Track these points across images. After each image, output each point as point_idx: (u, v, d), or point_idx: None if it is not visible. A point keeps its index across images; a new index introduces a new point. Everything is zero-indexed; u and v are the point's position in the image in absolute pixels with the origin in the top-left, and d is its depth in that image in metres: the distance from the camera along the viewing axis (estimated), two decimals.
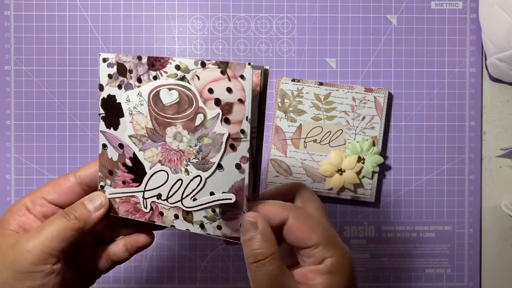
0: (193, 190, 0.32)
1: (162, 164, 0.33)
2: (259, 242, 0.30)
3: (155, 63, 0.32)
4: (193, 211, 0.33)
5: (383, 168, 0.56)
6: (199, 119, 0.31)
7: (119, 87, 0.33)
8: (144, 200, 0.34)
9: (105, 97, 0.34)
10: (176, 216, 0.34)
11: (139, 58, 0.32)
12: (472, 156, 0.56)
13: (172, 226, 0.34)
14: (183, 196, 0.33)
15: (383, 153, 0.56)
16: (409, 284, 0.57)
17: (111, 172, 0.35)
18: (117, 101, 0.33)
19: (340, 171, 0.54)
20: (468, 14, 0.56)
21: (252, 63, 0.30)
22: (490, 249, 0.57)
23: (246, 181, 0.31)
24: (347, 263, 0.31)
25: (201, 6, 0.56)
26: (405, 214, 0.57)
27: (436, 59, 0.56)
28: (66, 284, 0.33)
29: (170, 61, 0.31)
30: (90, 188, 0.35)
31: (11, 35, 0.56)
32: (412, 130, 0.56)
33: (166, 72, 0.32)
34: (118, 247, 0.37)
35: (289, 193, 0.35)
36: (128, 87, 0.33)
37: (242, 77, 0.30)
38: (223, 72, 0.30)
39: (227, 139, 0.31)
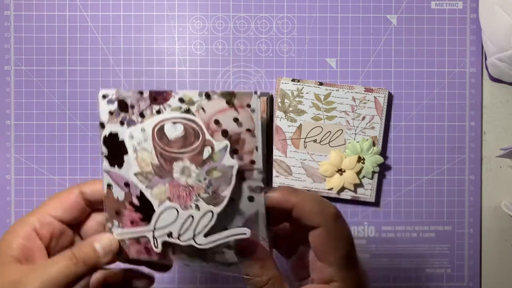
0: (205, 226, 0.31)
1: (171, 201, 0.32)
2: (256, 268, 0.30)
3: (157, 97, 0.31)
4: (207, 248, 0.31)
5: (383, 168, 0.56)
6: (206, 152, 0.30)
7: (121, 123, 0.32)
8: (155, 239, 0.32)
9: (107, 135, 0.32)
10: (190, 254, 0.32)
11: (141, 93, 0.31)
12: (472, 156, 0.56)
13: (186, 264, 0.33)
14: (195, 233, 0.31)
15: (383, 153, 0.56)
16: (409, 284, 0.57)
17: (118, 212, 0.33)
18: (120, 139, 0.32)
19: (340, 171, 0.54)
20: (468, 14, 0.56)
21: (259, 91, 0.29)
22: (490, 249, 0.57)
23: (263, 213, 0.30)
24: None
25: (201, 6, 0.56)
26: (405, 214, 0.57)
27: (436, 59, 0.56)
28: None
29: (173, 94, 0.31)
30: (93, 204, 0.35)
31: (11, 35, 0.56)
32: (412, 130, 0.56)
33: (169, 106, 0.31)
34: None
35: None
36: (131, 123, 0.32)
37: (249, 106, 0.29)
38: (229, 103, 0.30)
39: (238, 171, 0.30)
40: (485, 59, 0.56)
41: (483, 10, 0.53)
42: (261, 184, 0.30)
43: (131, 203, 0.33)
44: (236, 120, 0.30)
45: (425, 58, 0.56)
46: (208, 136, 0.30)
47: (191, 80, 0.56)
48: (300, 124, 0.55)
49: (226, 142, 0.30)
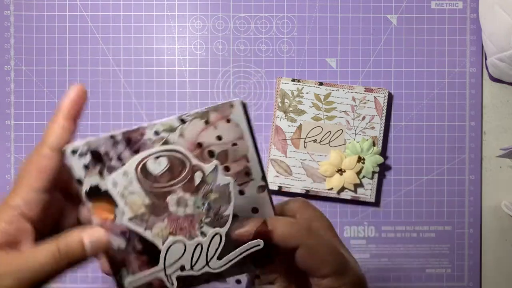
0: (216, 250, 0.30)
1: (174, 235, 0.30)
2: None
3: (131, 137, 0.29)
4: (223, 270, 0.31)
5: (383, 168, 0.56)
6: (198, 177, 0.30)
7: (100, 174, 0.30)
8: (168, 277, 0.31)
9: (88, 190, 0.30)
10: (207, 280, 0.31)
11: (112, 137, 0.29)
12: (472, 156, 0.56)
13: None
14: (208, 260, 0.30)
15: (383, 153, 0.56)
16: (409, 284, 0.57)
17: (123, 261, 0.31)
18: (103, 189, 0.30)
19: (340, 171, 0.54)
20: (468, 14, 0.56)
21: (236, 99, 0.29)
22: (490, 249, 0.57)
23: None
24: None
25: (201, 6, 0.56)
26: (405, 214, 0.57)
27: (436, 59, 0.56)
28: None
29: (146, 130, 0.29)
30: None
31: (11, 35, 0.56)
32: (412, 130, 0.56)
33: (146, 142, 0.29)
34: None
35: (291, 214, 0.33)
36: (111, 170, 0.30)
37: (228, 121, 0.29)
38: (207, 122, 0.29)
39: (234, 186, 0.30)
40: (485, 59, 0.56)
41: (483, 10, 0.53)
42: (263, 184, 0.30)
43: (134, 249, 0.31)
44: (219, 137, 0.29)
45: (425, 58, 0.56)
46: (195, 161, 0.29)
47: (191, 80, 0.56)
48: (300, 124, 0.55)
49: (215, 162, 0.29)
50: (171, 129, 0.29)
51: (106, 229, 0.31)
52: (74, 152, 0.30)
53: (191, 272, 0.31)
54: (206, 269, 0.31)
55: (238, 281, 0.34)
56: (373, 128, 0.54)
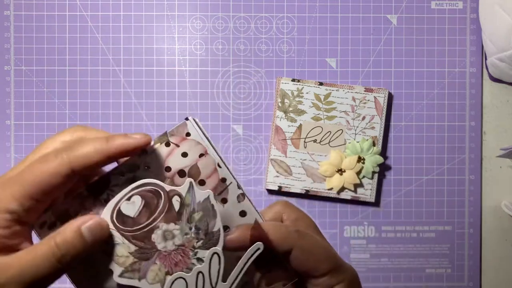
0: (218, 271, 0.29)
1: (171, 274, 0.28)
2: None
3: (94, 188, 0.28)
4: (234, 287, 0.29)
5: (383, 168, 0.56)
6: (176, 203, 0.28)
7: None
8: None
9: None
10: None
11: (78, 195, 0.28)
12: (472, 156, 0.56)
13: None
14: (214, 285, 0.29)
15: (383, 153, 0.56)
16: (409, 284, 0.56)
17: None
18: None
19: (340, 171, 0.54)
20: (468, 14, 0.56)
21: (190, 117, 0.28)
22: (490, 249, 0.57)
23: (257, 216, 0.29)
24: (355, 285, 0.30)
25: (201, 6, 0.56)
26: (405, 214, 0.57)
27: (436, 59, 0.56)
28: None
29: (111, 176, 0.28)
30: (80, 173, 0.28)
31: (11, 35, 0.56)
32: (412, 130, 0.56)
33: (114, 187, 0.28)
34: None
35: (276, 217, 0.32)
36: None
37: (188, 134, 0.29)
38: (168, 144, 0.28)
39: (215, 197, 0.29)
40: (485, 59, 0.56)
41: (483, 10, 0.53)
42: (242, 191, 0.29)
43: None
44: (184, 154, 0.29)
45: (425, 58, 0.56)
46: (168, 187, 0.28)
47: (191, 80, 0.56)
48: (300, 124, 0.55)
49: (188, 180, 0.28)
50: (135, 166, 0.28)
51: None
52: (42, 225, 0.28)
53: None
54: None
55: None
56: (373, 128, 0.54)
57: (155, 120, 0.56)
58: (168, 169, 0.29)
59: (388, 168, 0.56)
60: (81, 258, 0.26)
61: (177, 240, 0.28)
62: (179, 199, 0.28)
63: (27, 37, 0.56)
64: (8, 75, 0.56)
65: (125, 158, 0.28)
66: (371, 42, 0.56)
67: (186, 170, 0.29)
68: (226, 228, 0.29)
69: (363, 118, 0.54)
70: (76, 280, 0.28)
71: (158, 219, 0.28)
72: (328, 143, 0.55)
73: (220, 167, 0.29)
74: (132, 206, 0.28)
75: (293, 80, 0.55)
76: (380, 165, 0.54)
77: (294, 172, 0.55)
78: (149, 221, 0.28)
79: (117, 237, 0.28)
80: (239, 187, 0.29)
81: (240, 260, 0.29)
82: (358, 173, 0.54)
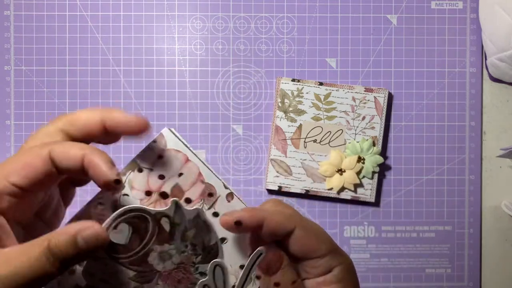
0: (224, 282, 0.28)
1: None
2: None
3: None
4: None
5: (383, 168, 0.56)
6: (165, 224, 0.27)
7: (73, 278, 0.27)
8: None
9: None
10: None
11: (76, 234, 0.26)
12: (472, 156, 0.56)
13: None
14: None
15: (383, 153, 0.56)
16: (409, 284, 0.56)
17: None
18: None
19: (340, 171, 0.54)
20: (468, 14, 0.56)
21: (165, 130, 0.28)
22: (490, 249, 0.57)
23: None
24: (352, 271, 0.30)
25: (201, 6, 0.56)
26: (405, 214, 0.57)
27: (436, 59, 0.56)
28: None
29: (91, 209, 0.27)
30: (64, 170, 0.27)
31: (11, 35, 0.56)
32: (412, 130, 0.56)
33: (101, 218, 0.27)
34: None
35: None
36: (75, 268, 0.27)
37: (160, 156, 0.28)
38: (141, 170, 0.28)
39: (205, 213, 0.28)
40: (485, 59, 0.56)
41: (483, 10, 0.53)
42: (230, 191, 0.29)
43: None
44: (161, 176, 0.28)
45: (425, 58, 0.56)
46: (154, 210, 0.27)
47: (191, 80, 0.56)
48: (300, 124, 0.55)
49: (173, 200, 0.27)
50: (114, 199, 0.27)
51: None
52: None
53: None
54: None
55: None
56: (373, 128, 0.54)
57: (155, 120, 0.56)
58: (149, 193, 0.28)
59: (388, 168, 0.56)
60: (76, 262, 0.25)
61: (175, 259, 0.28)
62: (167, 220, 0.27)
63: (27, 37, 0.56)
64: (8, 75, 0.56)
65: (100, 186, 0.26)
66: (371, 42, 0.56)
67: (168, 190, 0.28)
68: (223, 240, 0.28)
69: (363, 118, 0.54)
70: None
71: (151, 242, 0.27)
72: (328, 143, 0.55)
73: (203, 179, 0.28)
74: (120, 234, 0.27)
75: (293, 80, 0.55)
76: (380, 165, 0.54)
77: (294, 172, 0.55)
78: (141, 246, 0.27)
79: (113, 265, 0.27)
80: (225, 187, 0.29)
81: (244, 267, 0.28)
82: (358, 173, 0.54)
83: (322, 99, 0.55)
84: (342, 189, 0.54)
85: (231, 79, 0.56)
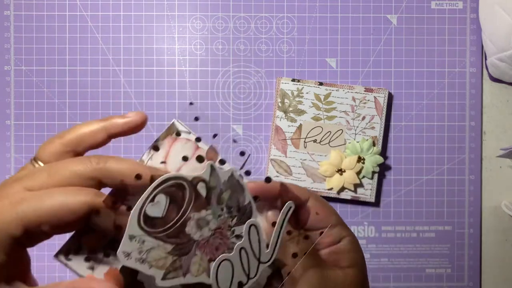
0: (259, 242, 0.28)
1: (214, 260, 0.27)
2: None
3: (115, 198, 0.27)
4: (274, 256, 0.28)
5: (383, 168, 0.56)
6: (202, 189, 0.27)
7: (107, 256, 0.27)
8: None
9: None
10: (269, 280, 0.29)
11: (96, 212, 0.26)
12: (472, 156, 0.56)
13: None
14: (259, 257, 0.28)
15: (383, 153, 0.56)
16: (409, 284, 0.56)
17: None
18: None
19: (340, 171, 0.54)
20: (468, 14, 0.56)
21: (174, 119, 0.29)
22: (490, 249, 0.57)
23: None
24: (358, 243, 0.32)
25: (201, 6, 0.56)
26: (405, 214, 0.57)
27: (436, 59, 0.56)
28: None
29: (126, 182, 0.27)
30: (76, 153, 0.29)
31: (11, 35, 0.56)
32: (412, 130, 0.56)
33: (135, 194, 0.27)
34: None
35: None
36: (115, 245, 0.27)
37: (178, 133, 0.29)
38: (156, 148, 0.28)
39: (237, 172, 0.28)
40: (485, 59, 0.56)
41: (483, 10, 0.53)
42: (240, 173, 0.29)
43: None
44: (197, 139, 0.29)
45: (425, 58, 0.56)
46: (190, 176, 0.27)
47: (191, 80, 0.56)
48: (300, 124, 0.55)
49: (208, 163, 0.27)
50: (146, 160, 0.28)
51: None
52: (69, 260, 0.27)
53: (251, 282, 0.28)
54: (261, 268, 0.28)
55: None
56: (373, 128, 0.54)
57: (155, 120, 0.56)
58: (185, 158, 0.28)
59: (388, 168, 0.56)
60: None
61: (212, 225, 0.27)
62: (204, 185, 0.27)
63: (27, 37, 0.56)
64: (8, 75, 0.56)
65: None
66: (371, 42, 0.56)
67: (203, 154, 0.28)
68: (255, 198, 0.28)
69: (363, 118, 0.54)
70: None
71: (188, 210, 0.27)
72: (328, 143, 0.55)
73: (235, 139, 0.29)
74: (157, 207, 0.26)
75: (293, 80, 0.55)
76: (380, 165, 0.54)
77: (294, 172, 0.55)
78: (179, 215, 0.27)
79: (150, 241, 0.26)
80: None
81: (277, 223, 0.28)
82: (358, 173, 0.54)
83: (322, 99, 0.55)
84: (342, 189, 0.54)
85: (231, 79, 0.56)
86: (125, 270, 0.27)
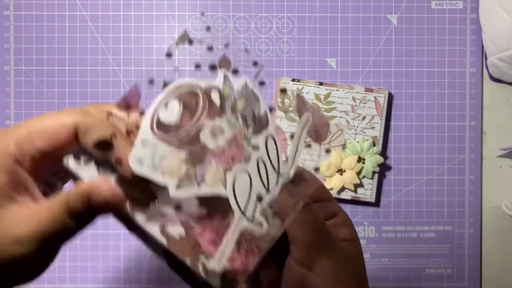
0: (277, 153, 0.27)
1: (230, 170, 0.26)
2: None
3: (130, 102, 0.26)
4: (294, 168, 0.27)
5: (383, 168, 0.56)
6: (216, 97, 0.26)
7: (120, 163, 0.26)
8: (252, 219, 0.26)
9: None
10: (289, 192, 0.28)
11: (110, 114, 0.26)
12: (472, 156, 0.56)
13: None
14: (277, 168, 0.27)
15: (383, 153, 0.56)
16: (409, 284, 0.56)
17: (196, 248, 0.25)
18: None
19: (340, 171, 0.54)
20: (469, 14, 0.56)
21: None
22: (490, 249, 0.57)
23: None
24: (351, 220, 0.33)
25: (201, 6, 0.56)
26: (405, 214, 0.56)
27: (436, 59, 0.56)
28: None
29: (139, 88, 0.26)
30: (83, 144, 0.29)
31: (10, 35, 0.56)
32: (412, 130, 0.56)
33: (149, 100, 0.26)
34: None
35: None
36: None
37: (190, 41, 0.28)
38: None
39: (252, 81, 0.27)
40: (486, 59, 0.56)
41: (484, 10, 0.53)
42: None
43: (200, 219, 0.26)
44: (209, 48, 0.28)
45: (425, 58, 0.56)
46: (204, 84, 0.26)
47: None
48: None
49: (221, 72, 0.27)
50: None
51: (158, 220, 0.25)
52: (78, 161, 0.26)
53: (270, 196, 0.26)
54: (281, 180, 0.27)
55: None
56: (373, 128, 0.54)
57: None
58: (198, 66, 0.28)
59: (388, 168, 0.56)
60: (93, 221, 0.26)
61: (227, 133, 0.26)
62: (217, 93, 0.27)
63: (27, 37, 0.56)
64: (8, 75, 0.56)
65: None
66: (371, 42, 0.56)
67: (217, 62, 0.28)
68: (272, 109, 0.28)
69: (363, 118, 0.54)
70: (124, 215, 0.25)
71: (202, 118, 0.26)
72: (328, 143, 0.55)
73: (247, 49, 0.28)
74: (171, 112, 0.26)
75: (293, 80, 0.55)
76: (380, 165, 0.54)
77: None
78: (193, 122, 0.26)
79: (163, 148, 0.25)
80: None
81: (295, 135, 0.28)
82: (358, 173, 0.54)
83: (322, 99, 0.54)
84: (342, 189, 0.54)
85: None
86: (135, 183, 0.25)
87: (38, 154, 0.27)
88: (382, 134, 0.54)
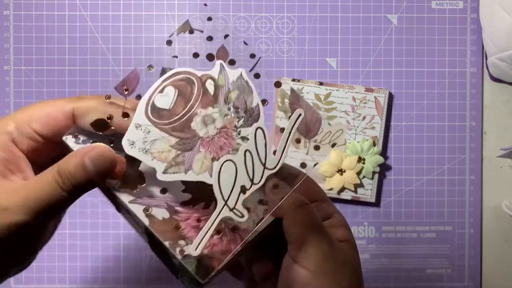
0: (265, 146, 0.27)
1: (217, 160, 0.26)
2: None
3: (128, 85, 0.27)
4: (281, 163, 0.28)
5: (384, 168, 0.56)
6: (210, 86, 0.27)
7: (110, 143, 0.27)
8: (235, 210, 0.26)
9: None
10: (275, 186, 0.28)
11: (108, 97, 0.28)
12: (473, 156, 0.56)
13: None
14: (264, 162, 0.27)
15: (384, 153, 0.56)
16: (410, 285, 0.56)
17: (177, 227, 0.27)
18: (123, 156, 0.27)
19: (340, 171, 0.54)
20: (469, 14, 0.56)
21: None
22: (490, 249, 0.57)
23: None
24: (346, 221, 0.33)
25: (201, 6, 0.56)
26: (405, 214, 0.56)
27: (436, 58, 0.56)
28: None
29: (138, 69, 0.27)
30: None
31: (10, 35, 0.56)
32: (412, 130, 0.56)
33: (146, 83, 0.27)
34: None
35: None
36: (121, 133, 0.27)
37: (191, 31, 0.29)
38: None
39: (246, 74, 0.28)
40: (486, 58, 0.56)
41: (484, 10, 0.53)
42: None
43: (184, 203, 0.27)
44: (209, 38, 0.29)
45: (425, 58, 0.56)
46: (200, 73, 0.27)
47: None
48: None
49: (218, 62, 0.28)
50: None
51: (143, 204, 0.26)
52: (76, 139, 0.28)
53: (254, 188, 0.27)
54: (266, 174, 0.27)
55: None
56: (373, 128, 0.54)
57: None
58: (196, 55, 0.29)
59: (388, 168, 0.56)
60: (88, 187, 0.26)
61: (218, 123, 0.27)
62: (212, 82, 0.27)
63: (26, 37, 0.56)
64: (7, 75, 0.56)
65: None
66: (371, 42, 0.56)
67: (214, 52, 0.29)
68: (264, 102, 0.28)
69: (364, 118, 0.54)
70: (108, 190, 0.27)
71: (195, 106, 0.27)
72: (328, 143, 0.55)
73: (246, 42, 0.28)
74: (166, 98, 0.27)
75: (293, 80, 0.55)
76: (380, 165, 0.54)
77: None
78: (186, 109, 0.27)
79: (155, 132, 0.26)
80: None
81: (285, 129, 0.28)
82: (358, 173, 0.54)
83: (322, 99, 0.54)
84: (342, 189, 0.54)
85: None
86: (128, 162, 0.27)
87: (36, 136, 0.28)
88: (382, 134, 0.54)
